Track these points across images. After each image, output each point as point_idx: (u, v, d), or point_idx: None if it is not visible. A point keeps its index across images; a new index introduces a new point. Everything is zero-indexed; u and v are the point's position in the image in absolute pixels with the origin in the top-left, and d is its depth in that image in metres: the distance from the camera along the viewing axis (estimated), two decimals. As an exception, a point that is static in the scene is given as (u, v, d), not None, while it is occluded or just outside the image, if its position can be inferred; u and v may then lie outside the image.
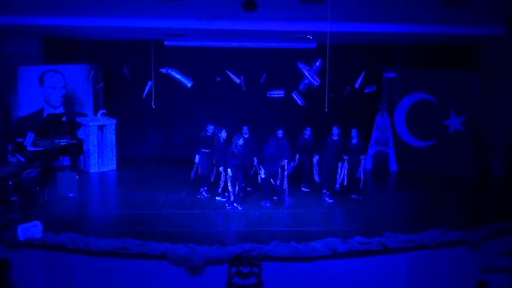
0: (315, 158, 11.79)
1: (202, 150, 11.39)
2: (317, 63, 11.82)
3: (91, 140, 13.34)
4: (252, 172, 11.37)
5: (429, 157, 13.86)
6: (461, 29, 11.16)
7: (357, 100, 13.16)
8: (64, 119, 12.90)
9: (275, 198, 11.23)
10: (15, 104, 13.15)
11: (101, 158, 13.61)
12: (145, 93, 12.13)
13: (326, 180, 11.59)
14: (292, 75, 12.27)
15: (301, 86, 12.11)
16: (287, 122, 12.75)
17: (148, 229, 9.48)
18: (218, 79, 13.09)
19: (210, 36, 12.86)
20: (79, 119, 13.51)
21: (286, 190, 11.11)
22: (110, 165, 13.74)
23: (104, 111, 13.93)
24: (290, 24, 10.96)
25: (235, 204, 10.82)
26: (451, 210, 11.00)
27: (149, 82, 12.01)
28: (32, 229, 8.65)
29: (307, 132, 11.91)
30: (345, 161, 11.50)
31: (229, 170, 10.74)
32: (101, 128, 13.63)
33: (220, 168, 11.06)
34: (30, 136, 11.64)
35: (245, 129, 11.46)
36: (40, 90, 13.44)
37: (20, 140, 11.81)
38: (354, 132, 11.59)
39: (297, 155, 11.84)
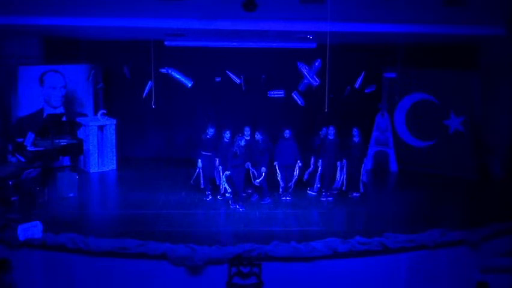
0: (342, 163, 11.49)
1: (203, 153, 11.33)
2: (317, 63, 11.83)
3: (91, 140, 13.34)
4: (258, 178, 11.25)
5: (429, 157, 13.86)
6: (461, 29, 11.16)
7: (357, 100, 13.16)
8: (64, 119, 12.91)
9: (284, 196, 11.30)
10: (15, 104, 13.15)
11: (101, 158, 13.61)
12: (145, 93, 12.14)
13: (324, 180, 11.58)
14: (292, 75, 12.27)
15: (301, 86, 12.12)
16: (288, 122, 12.75)
17: (148, 229, 9.48)
18: (218, 79, 13.08)
19: (210, 36, 12.86)
20: (79, 119, 13.51)
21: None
22: (110, 165, 13.75)
23: (104, 111, 13.92)
24: (290, 24, 10.96)
25: (237, 206, 10.82)
26: (451, 210, 11.00)
27: (149, 82, 12.01)
28: (32, 229, 8.65)
29: (330, 132, 11.47)
30: (343, 161, 11.51)
31: (226, 171, 10.74)
32: (101, 128, 13.63)
33: (219, 168, 11.06)
34: (30, 136, 11.64)
35: (246, 130, 11.42)
36: (40, 90, 13.44)
37: (20, 140, 11.81)
38: (355, 131, 11.60)
39: (312, 158, 11.57)
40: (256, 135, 11.32)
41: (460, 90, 13.42)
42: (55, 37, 13.67)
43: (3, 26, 11.13)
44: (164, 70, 12.19)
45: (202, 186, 11.48)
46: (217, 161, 11.14)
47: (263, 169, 11.08)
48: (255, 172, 11.06)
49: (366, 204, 11.35)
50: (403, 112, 14.22)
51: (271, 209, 10.92)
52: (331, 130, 11.44)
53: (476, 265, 9.10)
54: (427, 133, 13.92)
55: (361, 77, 11.93)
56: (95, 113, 14.12)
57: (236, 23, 10.80)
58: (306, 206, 11.10)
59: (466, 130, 13.39)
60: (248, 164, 11.01)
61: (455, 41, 13.05)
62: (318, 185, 11.67)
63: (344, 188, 11.60)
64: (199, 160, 11.35)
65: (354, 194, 11.62)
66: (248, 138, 11.23)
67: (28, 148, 11.51)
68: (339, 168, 11.49)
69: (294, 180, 11.41)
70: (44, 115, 13.24)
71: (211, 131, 11.32)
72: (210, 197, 11.26)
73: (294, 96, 12.01)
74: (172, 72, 12.08)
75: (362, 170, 11.60)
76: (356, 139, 11.59)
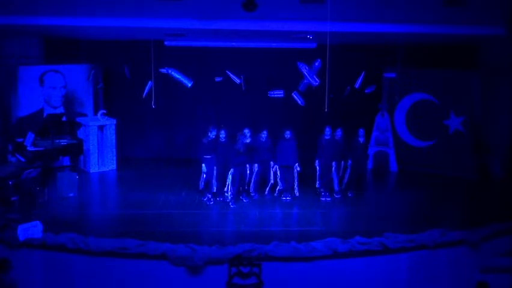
0: (347, 163, 11.54)
1: (205, 156, 11.16)
2: (317, 63, 11.82)
3: (91, 140, 13.34)
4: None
5: (429, 157, 13.86)
6: (461, 29, 11.16)
7: (357, 100, 13.15)
8: (64, 119, 12.91)
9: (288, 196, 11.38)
10: (15, 104, 13.15)
11: (101, 158, 13.61)
12: (145, 93, 12.13)
13: (323, 180, 11.58)
14: (292, 75, 12.26)
15: (301, 86, 12.11)
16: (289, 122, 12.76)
17: (148, 229, 9.48)
18: (218, 79, 13.08)
19: (210, 36, 12.85)
20: (79, 119, 13.52)
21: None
22: (110, 165, 13.75)
23: (104, 111, 13.92)
24: (290, 24, 10.96)
25: (230, 204, 10.86)
26: (451, 210, 11.01)
27: (149, 82, 12.00)
28: (32, 229, 8.65)
29: (338, 133, 11.46)
30: (348, 161, 11.54)
31: (231, 170, 10.83)
32: (101, 128, 13.63)
33: (219, 169, 11.07)
34: (30, 136, 11.64)
35: (247, 130, 11.37)
36: (40, 90, 13.44)
37: (20, 140, 11.81)
38: (361, 132, 11.62)
39: (317, 161, 11.52)
40: (262, 134, 11.39)
41: (460, 90, 13.42)
42: (55, 37, 13.67)
43: (3, 26, 11.13)
44: (164, 70, 12.17)
45: (201, 188, 11.42)
46: (216, 162, 11.11)
47: (275, 167, 11.31)
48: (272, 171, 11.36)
49: (366, 204, 11.35)
50: (403, 112, 14.22)
51: (272, 209, 10.92)
52: (327, 130, 11.46)
53: (476, 265, 9.10)
54: (427, 133, 13.91)
55: (361, 77, 11.92)
56: (95, 113, 14.12)
57: (236, 23, 10.80)
58: (306, 206, 11.10)
59: (466, 130, 13.39)
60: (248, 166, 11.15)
61: (455, 41, 13.04)
62: (319, 185, 11.69)
63: (344, 182, 11.64)
64: (203, 165, 11.10)
65: (355, 193, 11.64)
66: (249, 140, 11.23)
67: (28, 148, 11.51)
68: (334, 168, 11.47)
69: (296, 182, 11.44)
70: (44, 115, 13.24)
71: (213, 134, 11.22)
72: (212, 201, 11.17)
73: (294, 96, 12.00)
74: (172, 72, 12.06)
75: (365, 168, 11.62)
76: (361, 139, 11.61)
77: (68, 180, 11.38)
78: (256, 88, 13.46)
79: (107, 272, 8.47)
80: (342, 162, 11.55)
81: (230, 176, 10.91)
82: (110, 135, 13.72)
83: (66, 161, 13.28)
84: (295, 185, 11.48)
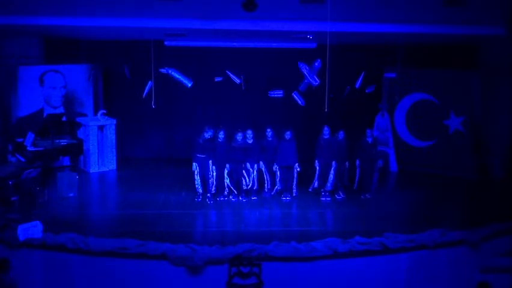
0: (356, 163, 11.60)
1: (198, 155, 11.18)
2: (317, 63, 11.81)
3: (91, 140, 13.33)
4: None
5: (429, 157, 13.85)
6: (461, 29, 11.17)
7: (357, 100, 13.15)
8: (64, 119, 12.90)
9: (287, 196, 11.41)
10: (15, 104, 13.15)
11: (101, 158, 13.61)
12: (145, 93, 12.12)
13: (322, 181, 11.58)
14: (292, 75, 12.26)
15: (301, 86, 12.11)
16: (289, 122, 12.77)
17: (148, 229, 9.47)
18: (218, 79, 13.07)
19: (210, 36, 12.86)
20: (79, 119, 13.51)
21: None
22: (110, 165, 13.74)
23: (104, 111, 13.92)
24: (290, 24, 10.97)
25: (240, 198, 11.07)
26: (450, 210, 11.00)
27: (149, 82, 11.99)
28: (32, 229, 8.65)
29: (340, 134, 11.51)
30: (356, 161, 11.60)
31: (226, 166, 10.98)
32: (101, 128, 13.63)
33: (213, 168, 11.11)
34: (30, 136, 11.64)
35: (250, 131, 11.36)
36: (40, 90, 13.44)
37: (20, 140, 11.80)
38: (369, 132, 11.64)
39: (317, 161, 11.53)
40: (267, 133, 11.42)
41: (460, 90, 13.42)
42: (55, 37, 13.66)
43: (3, 26, 11.14)
44: (164, 70, 12.16)
45: (200, 192, 11.35)
46: (211, 162, 11.10)
47: (276, 167, 11.37)
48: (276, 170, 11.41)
49: (366, 204, 11.34)
50: (403, 112, 14.21)
51: (271, 209, 10.92)
52: (326, 130, 11.46)
53: (476, 265, 9.10)
54: (427, 133, 13.91)
55: (361, 77, 11.90)
56: (95, 113, 14.11)
57: (236, 23, 10.80)
58: (306, 206, 11.10)
59: (466, 130, 13.38)
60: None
61: (455, 41, 13.04)
62: (315, 186, 11.68)
63: (344, 182, 11.67)
64: (194, 164, 11.15)
65: (367, 195, 11.65)
66: (252, 140, 11.24)
67: (28, 148, 11.51)
68: (334, 168, 11.46)
69: (295, 182, 11.44)
70: (44, 115, 13.23)
71: (208, 133, 11.21)
72: (211, 201, 11.18)
73: (294, 96, 12.00)
74: (172, 72, 12.05)
75: (375, 169, 11.63)
76: (369, 139, 11.61)
77: (68, 180, 11.37)
78: (256, 88, 13.45)
79: (107, 272, 8.47)
80: (347, 163, 11.56)
81: (226, 171, 11.06)
82: (110, 135, 13.72)
83: (66, 161, 13.28)
84: (294, 185, 11.46)
